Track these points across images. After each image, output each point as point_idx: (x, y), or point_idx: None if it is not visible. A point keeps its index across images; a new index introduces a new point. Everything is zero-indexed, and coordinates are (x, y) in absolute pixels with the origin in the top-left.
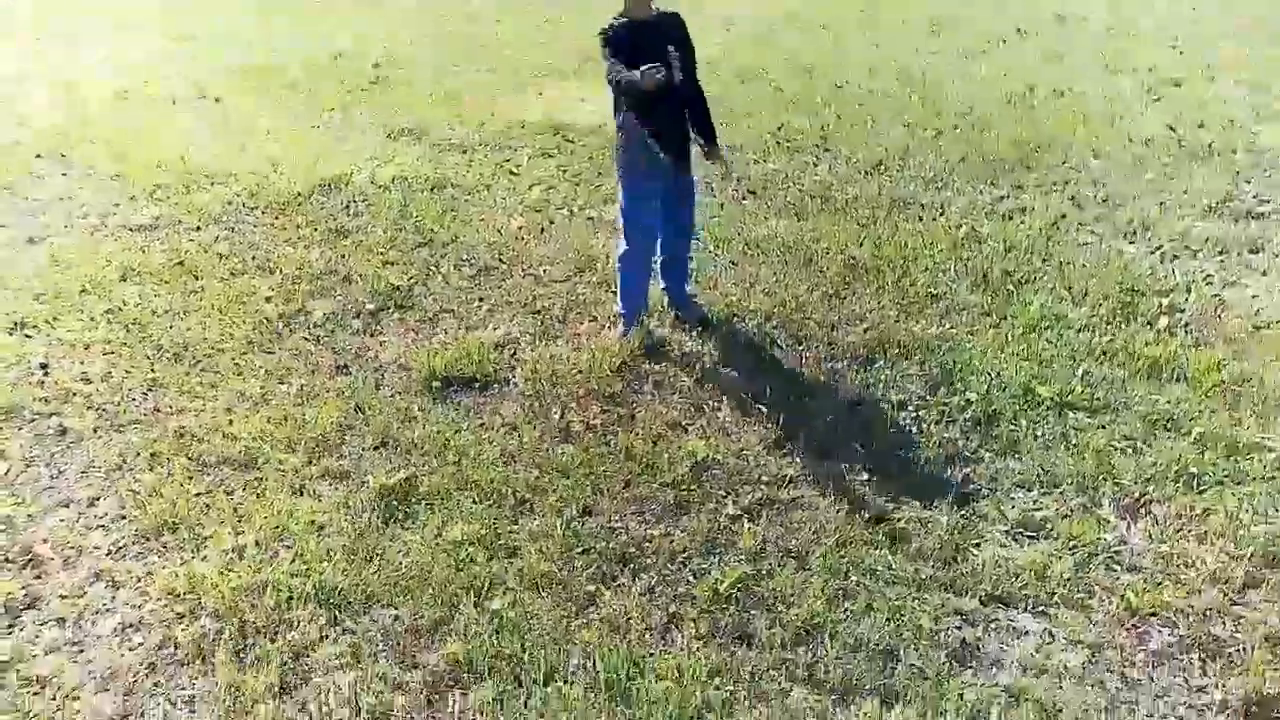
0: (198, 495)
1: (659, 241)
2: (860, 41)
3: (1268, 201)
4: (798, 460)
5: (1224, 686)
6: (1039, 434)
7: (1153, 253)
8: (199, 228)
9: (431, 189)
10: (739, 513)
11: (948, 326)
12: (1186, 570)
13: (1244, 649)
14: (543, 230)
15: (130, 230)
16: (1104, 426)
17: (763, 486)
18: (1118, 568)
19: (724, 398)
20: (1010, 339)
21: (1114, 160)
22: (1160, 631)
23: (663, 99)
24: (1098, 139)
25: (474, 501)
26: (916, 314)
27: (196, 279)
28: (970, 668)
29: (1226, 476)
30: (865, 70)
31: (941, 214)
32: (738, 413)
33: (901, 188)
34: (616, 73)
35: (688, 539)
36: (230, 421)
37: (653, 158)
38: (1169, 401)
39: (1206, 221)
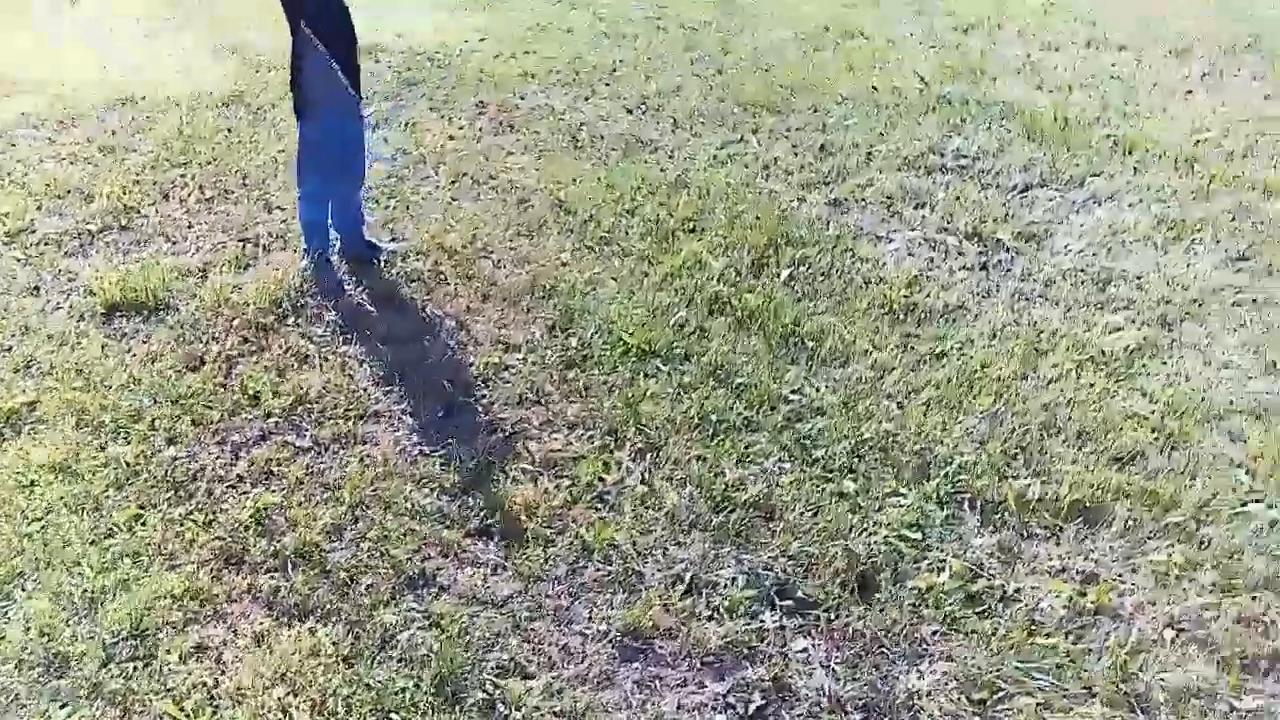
0: None
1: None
2: None
3: (964, 157)
4: (391, 396)
5: (612, 617)
6: (608, 379)
7: (829, 203)
8: None
9: (221, 106)
10: (310, 445)
11: (600, 270)
12: (651, 510)
13: (654, 585)
14: None
15: None
16: (670, 374)
17: (346, 420)
18: (600, 505)
19: (361, 333)
20: (644, 285)
21: (855, 108)
22: (597, 567)
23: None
24: (854, 85)
25: (74, 427)
26: (582, 257)
27: None
28: (417, 592)
29: (742, 425)
30: (690, 1)
31: (670, 157)
32: (364, 348)
33: (650, 129)
34: None
35: (246, 468)
36: None
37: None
38: (737, 352)
39: (896, 174)
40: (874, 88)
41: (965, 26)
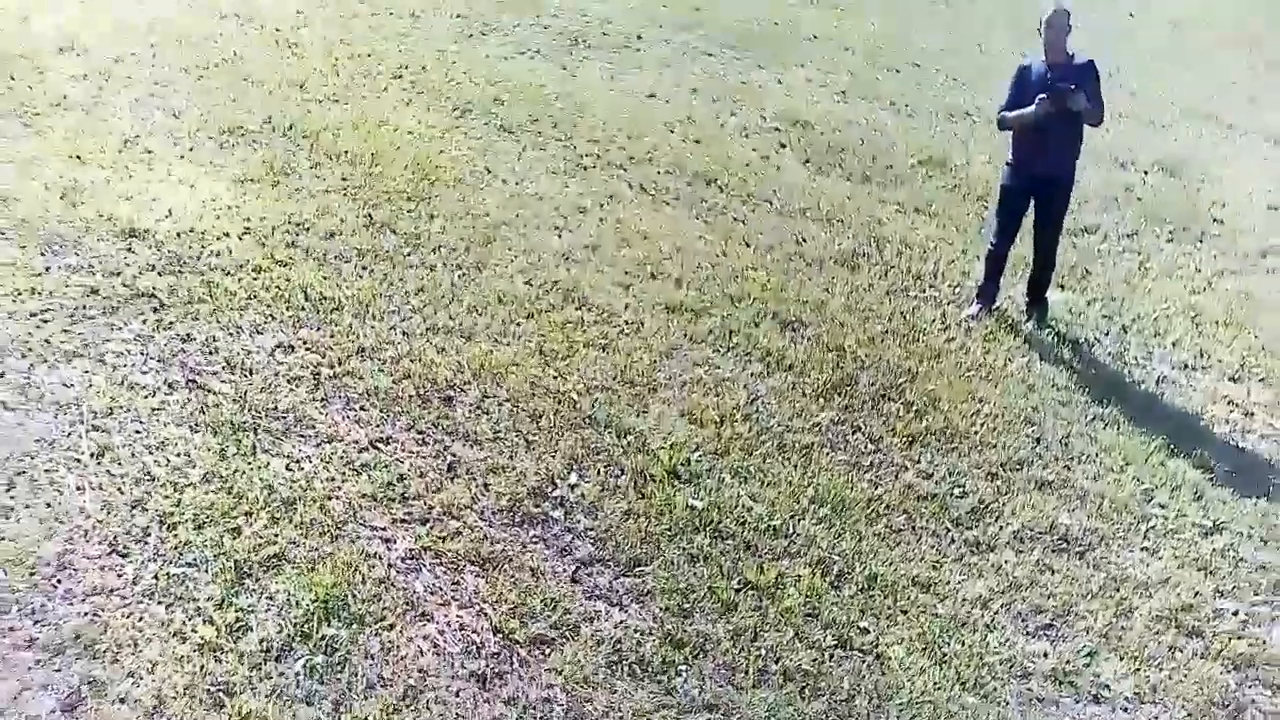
0: None
1: None
2: None
3: (563, 506)
4: None
5: None
6: None
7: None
8: None
9: None
10: None
11: None
12: None
13: None
14: None
15: None
16: None
17: None
18: None
19: None
20: None
21: (511, 406)
22: None
23: None
24: (530, 374)
25: None
26: None
27: None
28: None
29: None
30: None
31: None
32: None
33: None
34: None
35: None
36: None
37: None
38: None
39: (477, 529)
40: (531, 387)
41: None
